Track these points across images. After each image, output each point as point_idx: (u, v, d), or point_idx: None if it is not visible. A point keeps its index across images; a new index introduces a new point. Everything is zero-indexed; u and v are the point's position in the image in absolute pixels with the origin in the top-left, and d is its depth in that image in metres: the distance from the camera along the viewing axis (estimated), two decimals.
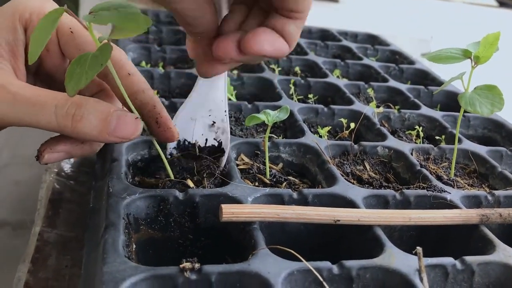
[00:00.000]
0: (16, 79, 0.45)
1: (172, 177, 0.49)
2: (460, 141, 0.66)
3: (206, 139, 0.53)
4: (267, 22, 0.40)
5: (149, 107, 0.46)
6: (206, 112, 0.52)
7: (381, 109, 0.72)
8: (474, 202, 0.54)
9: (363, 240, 0.46)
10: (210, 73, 0.45)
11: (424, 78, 0.95)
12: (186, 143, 0.52)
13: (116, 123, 0.41)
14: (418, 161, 0.60)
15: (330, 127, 0.68)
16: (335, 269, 0.40)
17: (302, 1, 0.38)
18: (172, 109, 0.58)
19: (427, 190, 0.53)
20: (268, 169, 0.54)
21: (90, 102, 0.42)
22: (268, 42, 0.39)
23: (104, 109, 0.41)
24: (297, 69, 0.91)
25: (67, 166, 0.65)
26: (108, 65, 0.40)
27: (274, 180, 0.54)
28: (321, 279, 0.39)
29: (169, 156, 0.52)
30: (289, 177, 0.55)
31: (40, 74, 0.50)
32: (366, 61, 0.98)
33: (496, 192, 0.55)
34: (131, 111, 0.44)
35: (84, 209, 0.58)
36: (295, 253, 0.39)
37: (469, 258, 0.44)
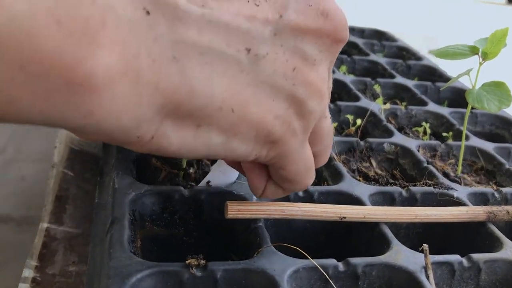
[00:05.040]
0: None
1: (184, 165, 0.51)
2: (467, 137, 0.66)
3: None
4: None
5: None
6: None
7: (388, 105, 0.72)
8: (481, 199, 0.54)
9: (369, 238, 0.46)
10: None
11: (432, 74, 0.95)
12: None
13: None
14: (425, 157, 0.59)
15: (336, 124, 0.67)
16: (340, 266, 0.40)
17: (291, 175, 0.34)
18: None
19: (434, 187, 0.53)
20: None
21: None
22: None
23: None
24: None
25: (73, 162, 0.65)
26: None
27: None
28: (327, 276, 0.39)
29: None
30: None
31: None
32: (373, 57, 0.97)
33: (504, 189, 0.55)
34: None
35: (90, 206, 0.58)
36: (301, 250, 0.39)
37: (476, 256, 0.43)
